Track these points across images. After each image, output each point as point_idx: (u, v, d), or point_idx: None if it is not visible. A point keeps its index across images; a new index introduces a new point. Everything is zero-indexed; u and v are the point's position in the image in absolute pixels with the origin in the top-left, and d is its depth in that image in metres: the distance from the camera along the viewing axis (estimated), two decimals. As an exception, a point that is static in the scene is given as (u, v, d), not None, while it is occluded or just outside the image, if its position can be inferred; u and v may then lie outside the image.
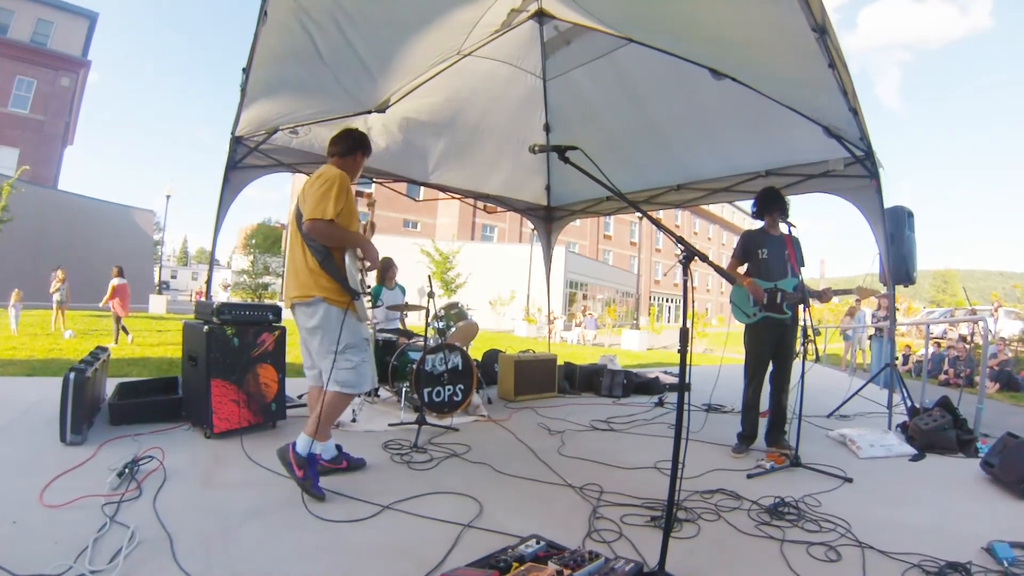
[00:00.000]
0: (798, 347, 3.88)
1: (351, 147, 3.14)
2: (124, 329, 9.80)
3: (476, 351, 6.38)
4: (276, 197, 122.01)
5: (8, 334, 9.76)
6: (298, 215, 2.88)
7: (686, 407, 2.00)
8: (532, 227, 8.67)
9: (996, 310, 16.33)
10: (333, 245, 2.86)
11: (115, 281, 9.83)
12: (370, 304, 5.65)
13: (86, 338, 9.88)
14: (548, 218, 8.17)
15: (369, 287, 3.12)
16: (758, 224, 4.19)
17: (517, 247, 28.93)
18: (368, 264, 3.07)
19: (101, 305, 10.08)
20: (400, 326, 5.85)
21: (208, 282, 6.45)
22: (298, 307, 2.91)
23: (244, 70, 3.98)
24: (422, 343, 4.80)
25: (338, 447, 3.14)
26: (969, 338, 11.57)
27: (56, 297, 11.13)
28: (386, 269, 5.72)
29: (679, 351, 2.00)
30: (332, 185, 2.79)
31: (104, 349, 4.60)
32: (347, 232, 2.88)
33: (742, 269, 4.20)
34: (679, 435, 1.98)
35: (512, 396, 5.71)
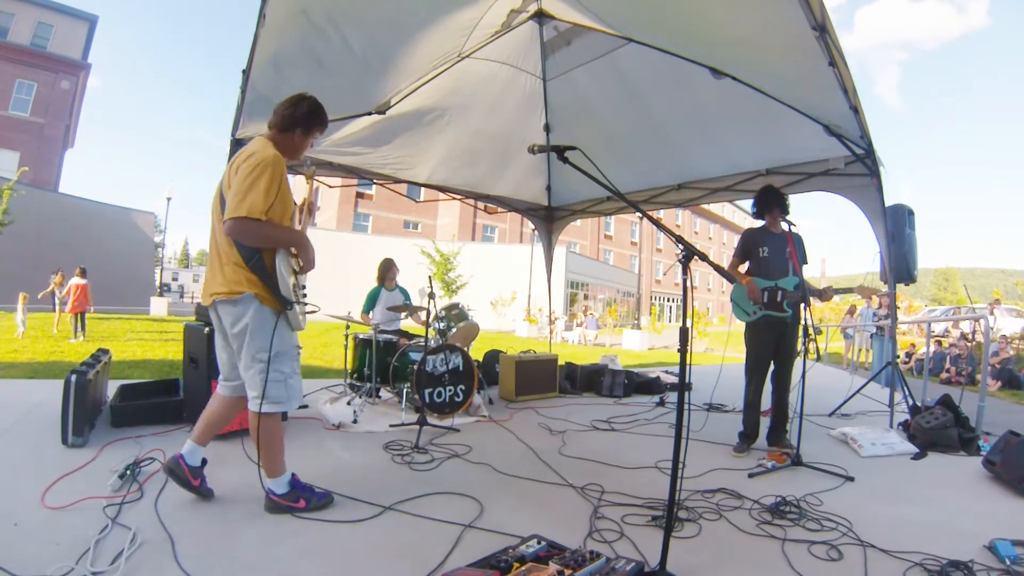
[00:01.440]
0: (799, 346, 3.88)
1: (290, 120, 2.54)
2: (82, 325, 10.28)
3: (477, 352, 6.38)
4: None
5: (11, 336, 9.78)
6: (221, 201, 2.41)
7: (687, 407, 2.00)
8: (533, 227, 8.67)
9: (993, 308, 16.27)
10: (262, 246, 2.39)
11: (76, 280, 10.55)
12: (365, 308, 5.66)
13: (89, 338, 9.90)
14: (549, 218, 8.16)
15: (304, 292, 2.62)
16: (759, 222, 4.19)
17: (518, 247, 28.94)
18: (303, 265, 2.58)
19: (59, 299, 10.78)
20: (401, 327, 5.85)
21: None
22: (222, 305, 2.43)
23: (244, 72, 3.98)
24: (423, 344, 4.80)
25: (204, 460, 2.62)
26: (970, 336, 11.55)
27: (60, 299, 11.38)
28: (386, 270, 5.73)
29: (679, 351, 2.00)
30: (263, 174, 2.28)
31: (105, 351, 4.60)
32: (279, 230, 2.42)
33: (743, 268, 4.19)
34: (680, 434, 1.98)
35: (513, 396, 5.71)
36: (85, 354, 5.53)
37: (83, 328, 10.30)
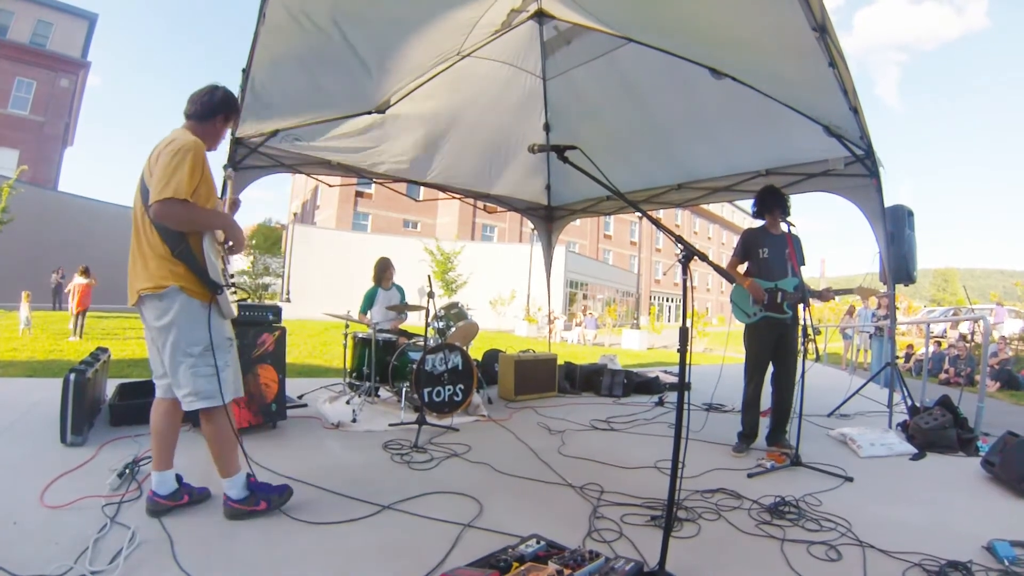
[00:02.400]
0: (798, 346, 3.88)
1: (209, 109, 2.52)
2: (81, 325, 10.26)
3: (476, 351, 6.38)
4: (276, 197, 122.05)
5: (11, 335, 9.77)
6: (144, 192, 2.35)
7: (686, 406, 2.00)
8: (532, 227, 8.67)
9: (994, 311, 16.29)
10: (189, 230, 2.35)
11: (79, 280, 10.58)
12: (364, 308, 5.66)
13: (86, 338, 9.89)
14: (548, 218, 8.16)
15: (232, 279, 2.56)
16: (759, 223, 4.19)
17: (517, 247, 28.94)
18: (233, 246, 2.53)
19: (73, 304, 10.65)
20: (400, 326, 5.84)
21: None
22: (147, 300, 2.36)
23: (244, 71, 3.98)
24: (422, 343, 4.80)
25: (178, 477, 2.54)
26: (969, 337, 11.56)
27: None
28: (383, 269, 5.72)
29: (679, 351, 2.00)
30: (185, 157, 2.27)
31: (104, 350, 4.60)
32: (205, 212, 2.38)
33: (743, 268, 4.19)
34: (679, 434, 1.98)
35: (512, 396, 5.71)
36: (84, 353, 5.53)
37: (82, 328, 10.30)
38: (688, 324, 2.04)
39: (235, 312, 2.53)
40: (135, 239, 2.44)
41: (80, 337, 10.00)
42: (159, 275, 2.33)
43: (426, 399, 4.39)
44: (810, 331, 3.73)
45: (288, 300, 21.93)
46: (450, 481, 3.07)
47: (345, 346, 5.23)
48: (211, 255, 2.37)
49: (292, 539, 2.28)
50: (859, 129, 4.12)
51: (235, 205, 2.89)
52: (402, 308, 5.26)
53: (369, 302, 5.63)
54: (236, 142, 4.89)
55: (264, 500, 2.49)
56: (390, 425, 4.28)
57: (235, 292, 2.58)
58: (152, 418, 2.49)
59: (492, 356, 6.58)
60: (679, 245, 2.02)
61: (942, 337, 14.53)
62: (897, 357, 6.19)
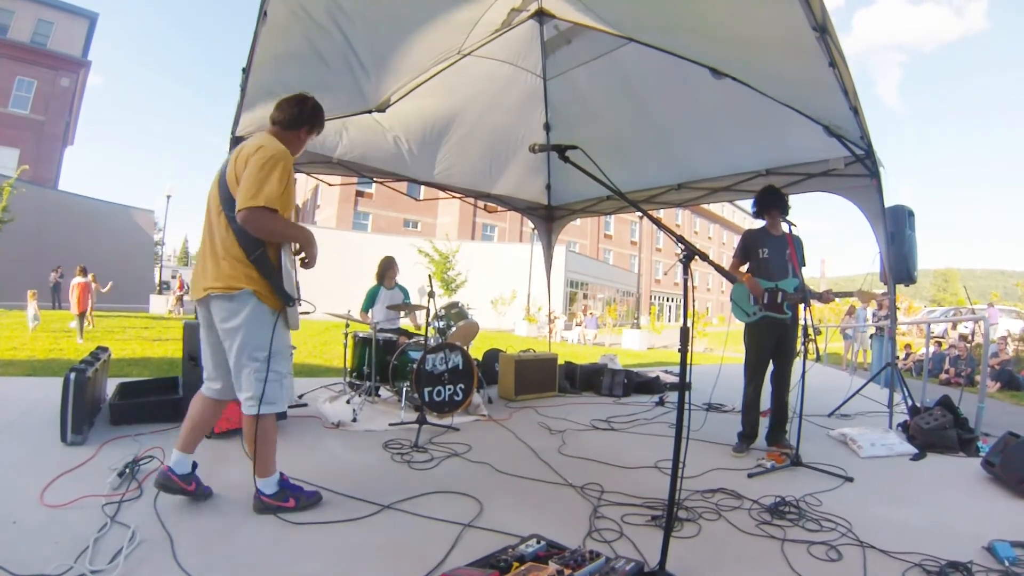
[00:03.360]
0: (799, 346, 3.88)
1: (296, 119, 2.57)
2: (80, 327, 10.16)
3: (477, 350, 6.38)
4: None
5: (11, 333, 9.78)
6: (224, 195, 2.37)
7: (687, 406, 2.00)
8: (532, 226, 8.67)
9: (987, 312, 16.22)
10: (270, 240, 2.38)
11: (78, 279, 10.48)
12: (364, 306, 5.66)
13: (87, 337, 9.89)
14: (548, 217, 8.16)
15: (299, 292, 2.61)
16: (759, 223, 4.18)
17: (517, 246, 28.93)
18: (307, 262, 2.54)
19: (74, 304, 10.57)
20: (401, 326, 5.84)
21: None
22: (216, 300, 2.37)
23: (244, 70, 3.97)
24: (423, 342, 4.80)
25: (194, 464, 2.58)
26: (970, 337, 11.56)
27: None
28: (386, 268, 5.72)
29: (680, 350, 2.00)
30: (276, 165, 2.30)
31: (105, 349, 4.60)
32: (288, 224, 2.41)
33: (743, 269, 4.19)
34: (680, 434, 1.98)
35: (512, 395, 5.71)
36: (84, 352, 5.53)
37: (81, 330, 10.18)
38: (689, 324, 2.04)
39: (299, 326, 2.59)
40: (207, 237, 2.45)
41: (82, 339, 9.89)
42: (231, 276, 2.34)
43: (426, 399, 4.39)
44: (810, 331, 3.73)
45: None
46: (450, 481, 3.07)
47: (345, 345, 5.23)
48: (287, 266, 2.42)
49: (292, 539, 2.28)
50: (859, 129, 4.12)
51: (297, 211, 2.89)
52: (403, 307, 5.26)
53: (371, 301, 5.63)
54: (236, 141, 4.89)
55: (293, 498, 2.53)
56: (390, 425, 4.28)
57: (303, 304, 2.62)
58: (192, 408, 2.57)
59: (492, 356, 6.57)
60: (680, 245, 2.02)
61: (942, 337, 14.51)
62: (897, 357, 6.19)
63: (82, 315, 10.17)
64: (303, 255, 2.53)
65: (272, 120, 2.58)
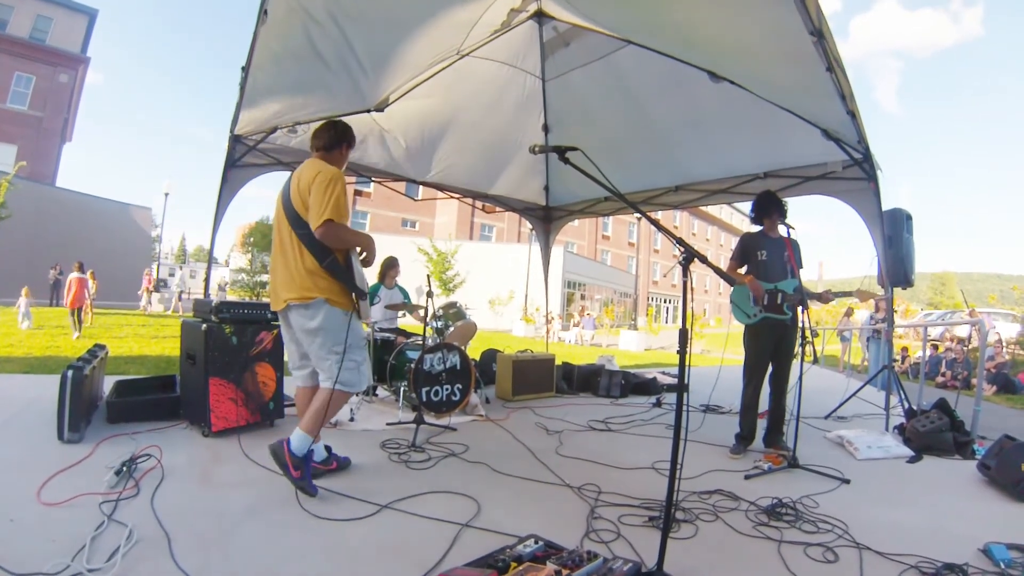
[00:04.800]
0: (796, 348, 3.89)
1: (335, 140, 3.04)
2: (79, 321, 10.20)
3: (474, 351, 6.38)
4: (274, 196, 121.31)
5: (8, 330, 9.74)
6: (291, 216, 2.80)
7: (684, 408, 2.00)
8: (530, 227, 8.68)
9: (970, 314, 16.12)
10: (342, 247, 2.82)
11: (75, 275, 10.55)
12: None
13: (85, 334, 9.87)
14: (546, 218, 8.17)
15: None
16: (757, 227, 4.19)
17: (515, 247, 28.93)
18: (367, 258, 2.97)
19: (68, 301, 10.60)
20: (399, 326, 5.84)
21: (206, 280, 6.45)
22: (295, 309, 2.81)
23: (243, 68, 3.97)
24: (420, 342, 4.80)
25: (327, 448, 3.11)
26: (966, 340, 11.59)
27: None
28: (389, 268, 5.71)
29: (678, 352, 2.00)
30: (337, 184, 2.73)
31: (102, 347, 4.58)
32: (354, 232, 2.90)
33: (741, 271, 4.20)
34: (677, 435, 1.98)
35: (510, 396, 5.71)
36: (81, 349, 5.51)
37: (79, 323, 10.22)
38: (687, 326, 2.04)
39: (371, 315, 2.92)
40: (280, 254, 2.89)
41: (80, 334, 9.91)
42: (304, 287, 2.76)
43: (424, 398, 4.39)
44: (808, 333, 3.74)
45: None
46: (448, 481, 3.07)
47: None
48: (357, 265, 2.86)
49: (290, 538, 2.28)
50: (857, 133, 4.13)
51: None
52: (402, 307, 5.25)
53: (370, 299, 5.62)
54: (235, 139, 4.89)
55: (301, 473, 2.71)
56: (388, 424, 4.28)
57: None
58: (298, 402, 3.06)
59: (490, 356, 6.58)
60: (679, 247, 2.02)
61: (939, 340, 14.54)
62: (895, 360, 6.21)
63: (77, 311, 10.15)
64: (364, 255, 2.94)
65: (314, 148, 3.01)
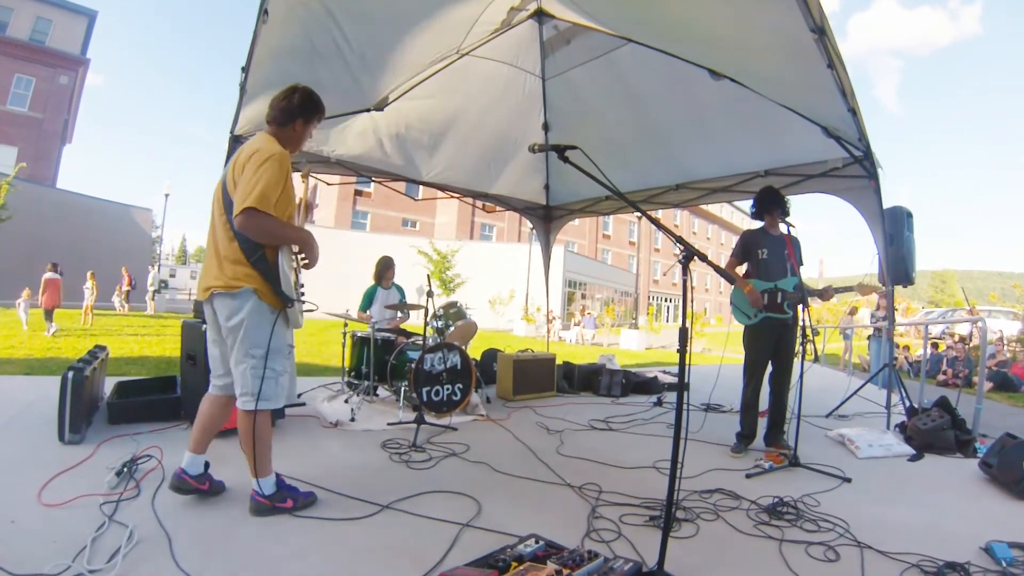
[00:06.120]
0: (797, 347, 3.88)
1: (288, 112, 2.52)
2: (50, 319, 10.16)
3: (475, 350, 6.38)
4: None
5: (8, 332, 9.75)
6: (225, 199, 2.40)
7: (685, 407, 2.00)
8: (531, 226, 8.68)
9: (970, 311, 16.07)
10: (269, 243, 2.39)
11: (49, 275, 10.56)
12: (363, 305, 5.66)
13: (86, 334, 9.87)
14: (547, 217, 8.16)
15: (303, 291, 2.64)
16: (758, 223, 4.19)
17: (516, 246, 28.90)
18: (307, 262, 2.56)
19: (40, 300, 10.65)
20: (399, 326, 5.83)
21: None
22: (219, 298, 2.41)
23: (243, 69, 3.97)
24: (421, 342, 4.79)
25: (206, 464, 2.62)
26: (967, 338, 11.57)
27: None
28: (384, 268, 5.72)
29: (679, 351, 2.00)
30: (270, 167, 2.29)
31: (103, 348, 4.59)
32: (287, 227, 2.44)
33: (741, 269, 4.19)
34: (678, 435, 1.98)
35: (511, 395, 5.71)
36: (82, 350, 5.52)
37: (50, 321, 10.12)
38: (688, 324, 2.04)
39: (302, 323, 2.61)
40: (211, 239, 2.49)
41: (56, 328, 9.83)
42: (233, 276, 2.37)
43: (424, 398, 4.39)
44: (808, 332, 3.73)
45: None
46: (449, 480, 3.07)
47: (344, 345, 5.23)
48: (285, 268, 2.42)
49: (290, 538, 2.27)
50: (857, 131, 4.12)
51: (309, 208, 2.85)
52: (401, 307, 5.25)
53: (368, 300, 5.63)
54: (235, 140, 4.88)
55: (291, 499, 2.53)
56: (388, 424, 4.28)
57: (305, 303, 2.65)
58: (201, 408, 2.60)
59: (491, 355, 6.57)
60: (679, 245, 2.02)
61: (940, 339, 14.50)
62: (895, 358, 6.20)
63: (49, 311, 10.13)
64: (304, 258, 2.55)
65: (267, 120, 2.56)
